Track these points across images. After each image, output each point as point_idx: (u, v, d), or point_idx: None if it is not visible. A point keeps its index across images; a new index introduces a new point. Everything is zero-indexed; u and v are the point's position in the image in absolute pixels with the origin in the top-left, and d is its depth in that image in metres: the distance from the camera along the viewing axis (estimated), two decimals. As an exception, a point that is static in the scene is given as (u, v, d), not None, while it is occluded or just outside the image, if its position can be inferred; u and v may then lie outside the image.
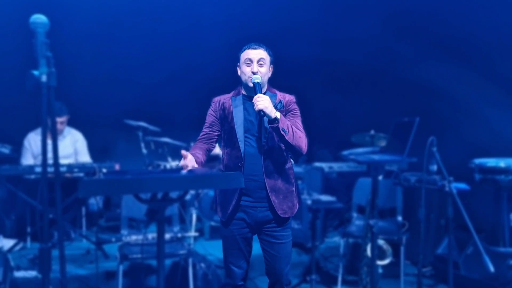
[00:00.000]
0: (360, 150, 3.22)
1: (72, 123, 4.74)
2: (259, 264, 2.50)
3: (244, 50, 2.31)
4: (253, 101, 2.17)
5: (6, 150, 4.23)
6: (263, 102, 2.13)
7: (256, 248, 2.41)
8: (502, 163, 3.42)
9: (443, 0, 4.58)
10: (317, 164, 4.93)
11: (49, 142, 1.85)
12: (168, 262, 3.64)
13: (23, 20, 1.84)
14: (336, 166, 4.86)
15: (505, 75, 4.28)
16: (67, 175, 4.18)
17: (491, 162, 3.48)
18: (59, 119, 4.37)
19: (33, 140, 4.55)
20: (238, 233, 2.33)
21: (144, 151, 4.71)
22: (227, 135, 2.35)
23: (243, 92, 2.35)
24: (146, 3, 5.35)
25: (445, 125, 4.49)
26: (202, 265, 3.54)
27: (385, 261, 3.47)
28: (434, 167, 2.94)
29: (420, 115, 2.81)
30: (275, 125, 2.17)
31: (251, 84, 2.24)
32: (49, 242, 1.74)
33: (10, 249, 4.02)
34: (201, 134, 2.41)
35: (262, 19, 5.30)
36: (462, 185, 2.92)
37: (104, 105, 5.34)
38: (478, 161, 3.55)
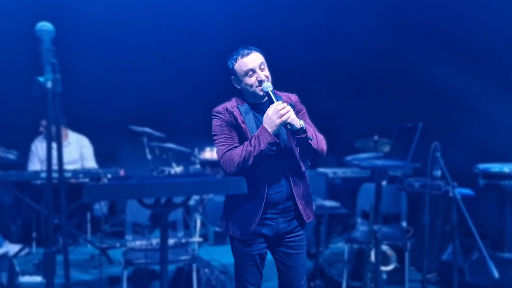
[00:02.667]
0: (364, 155, 3.22)
1: (77, 129, 4.78)
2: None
3: (237, 60, 2.11)
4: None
5: (12, 156, 4.28)
6: (289, 113, 1.98)
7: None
8: (506, 168, 3.40)
9: (448, 2, 4.57)
10: (321, 169, 4.93)
11: (54, 146, 1.87)
12: (172, 267, 3.64)
13: (29, 27, 1.87)
14: (340, 171, 4.86)
15: (510, 78, 4.27)
16: (73, 180, 4.22)
17: (495, 167, 3.46)
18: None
19: (40, 145, 4.60)
20: (256, 249, 2.16)
21: (149, 156, 4.73)
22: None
23: (248, 100, 2.18)
24: (150, 8, 5.41)
25: (448, 130, 4.48)
26: (206, 270, 3.55)
27: (389, 267, 3.45)
28: (438, 173, 2.93)
29: (423, 120, 2.81)
30: (303, 136, 2.05)
31: (261, 93, 2.09)
32: (53, 247, 1.75)
33: (16, 254, 4.05)
34: (225, 149, 2.08)
35: (266, 22, 5.34)
36: (466, 191, 2.90)
37: (109, 111, 5.39)
38: (482, 166, 3.53)
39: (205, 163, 5.12)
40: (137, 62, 5.57)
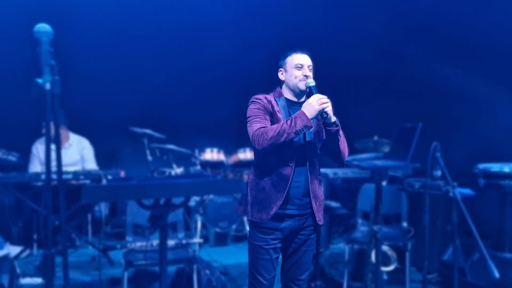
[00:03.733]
0: (364, 155, 3.21)
1: (78, 131, 4.79)
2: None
3: (291, 54, 2.31)
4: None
5: (13, 158, 4.29)
6: (328, 103, 2.11)
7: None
8: (506, 168, 3.40)
9: (448, 3, 4.57)
10: (322, 170, 4.90)
11: (53, 147, 1.87)
12: (173, 268, 3.64)
13: (28, 29, 1.88)
14: (341, 172, 4.85)
15: (510, 78, 4.26)
16: (73, 182, 4.22)
17: (495, 167, 3.46)
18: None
19: (40, 147, 4.61)
20: (272, 243, 2.23)
21: (149, 158, 4.74)
22: None
23: (286, 95, 2.31)
24: (150, 9, 5.42)
25: (448, 130, 4.47)
26: (207, 271, 3.54)
27: (390, 267, 3.45)
28: (438, 173, 2.93)
29: (423, 120, 2.81)
30: (335, 128, 2.16)
31: (303, 88, 2.24)
32: (52, 248, 1.76)
33: (17, 256, 4.05)
34: (259, 126, 2.16)
35: (267, 22, 5.33)
36: (467, 191, 2.90)
37: (109, 112, 5.39)
38: (482, 166, 3.53)
39: (206, 164, 5.13)
40: (137, 64, 5.57)
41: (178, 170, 4.79)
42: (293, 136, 2.09)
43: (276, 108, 2.24)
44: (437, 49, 4.75)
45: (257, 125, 2.17)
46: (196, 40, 5.65)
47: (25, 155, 4.59)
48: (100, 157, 4.92)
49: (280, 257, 2.34)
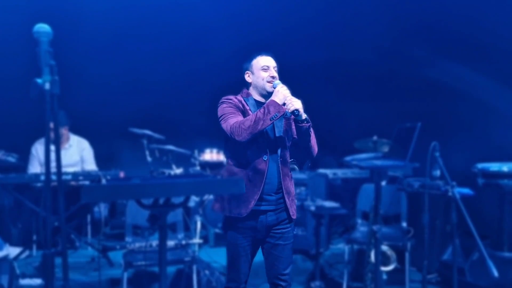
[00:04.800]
0: (363, 155, 3.22)
1: (77, 132, 4.79)
2: (263, 270, 2.48)
3: (256, 57, 2.40)
4: (279, 89, 2.24)
5: (12, 159, 4.29)
6: (297, 102, 2.22)
7: (259, 255, 2.42)
8: (505, 167, 3.40)
9: (448, 2, 4.57)
10: (321, 170, 4.93)
11: (52, 148, 1.87)
12: (172, 269, 3.64)
13: (27, 29, 1.88)
14: (340, 172, 4.86)
15: (508, 78, 4.26)
16: (73, 183, 4.22)
17: (494, 166, 3.46)
18: (60, 129, 4.42)
19: (40, 148, 4.60)
20: (246, 241, 2.33)
21: (149, 159, 4.73)
22: None
23: (254, 96, 2.41)
24: (150, 11, 5.41)
25: (447, 130, 4.48)
26: (207, 272, 3.54)
27: (389, 267, 3.45)
28: (437, 172, 2.93)
29: (422, 120, 2.81)
30: (307, 125, 2.26)
31: (270, 89, 2.32)
32: (52, 248, 1.75)
33: (16, 257, 4.05)
34: (235, 119, 2.27)
35: (264, 24, 5.33)
36: (466, 190, 2.91)
37: (109, 113, 5.39)
38: (481, 165, 3.53)
39: (205, 164, 5.12)
40: (137, 65, 5.57)
41: (177, 171, 4.79)
42: (269, 123, 2.19)
43: (247, 107, 2.35)
44: (436, 49, 4.76)
45: (232, 119, 2.26)
46: (196, 41, 5.65)
47: (25, 156, 4.58)
48: (99, 158, 4.91)
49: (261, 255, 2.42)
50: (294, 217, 2.38)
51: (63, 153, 4.55)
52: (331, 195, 4.73)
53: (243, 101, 2.37)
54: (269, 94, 2.32)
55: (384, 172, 3.03)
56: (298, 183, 4.17)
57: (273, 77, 2.35)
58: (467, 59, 4.49)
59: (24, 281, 3.48)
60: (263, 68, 2.36)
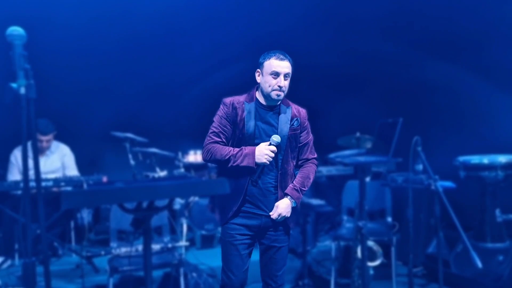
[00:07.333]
0: (346, 152, 3.23)
1: (58, 137, 4.69)
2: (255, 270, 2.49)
3: (270, 58, 2.28)
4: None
5: (-10, 167, 4.18)
6: (288, 212, 2.32)
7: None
8: (485, 159, 3.46)
9: (424, 1, 4.63)
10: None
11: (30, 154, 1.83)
12: (159, 272, 3.60)
13: (0, 32, 1.83)
14: (325, 170, 4.86)
15: (489, 72, 4.33)
16: (54, 189, 4.14)
17: (475, 159, 3.52)
18: (45, 137, 4.33)
19: (19, 155, 4.49)
20: (239, 238, 2.32)
21: (132, 162, 4.67)
22: (236, 142, 2.33)
23: (259, 98, 2.34)
24: (131, 12, 5.34)
25: (429, 124, 4.53)
26: (194, 274, 3.52)
27: (376, 262, 3.47)
28: (420, 167, 2.96)
29: (404, 115, 2.84)
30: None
31: (275, 97, 2.27)
32: (33, 257, 1.71)
33: (-2, 267, 3.95)
34: (213, 140, 2.33)
35: (246, 29, 5.32)
36: (448, 183, 2.94)
37: (90, 117, 5.31)
38: (462, 158, 3.58)
39: (190, 166, 5.09)
40: (118, 68, 5.49)
41: (161, 174, 4.74)
42: (237, 166, 2.23)
43: (241, 116, 2.29)
44: (414, 45, 4.81)
45: (212, 137, 2.32)
46: (176, 44, 5.60)
47: (3, 164, 4.48)
48: (81, 163, 4.82)
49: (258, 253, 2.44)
50: (291, 225, 2.40)
51: (43, 160, 4.47)
52: (316, 192, 4.74)
53: (239, 109, 2.30)
54: (273, 100, 2.29)
55: (368, 168, 3.05)
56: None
57: (280, 87, 2.25)
58: (446, 55, 4.55)
59: (6, 292, 3.40)
60: (272, 74, 2.26)
